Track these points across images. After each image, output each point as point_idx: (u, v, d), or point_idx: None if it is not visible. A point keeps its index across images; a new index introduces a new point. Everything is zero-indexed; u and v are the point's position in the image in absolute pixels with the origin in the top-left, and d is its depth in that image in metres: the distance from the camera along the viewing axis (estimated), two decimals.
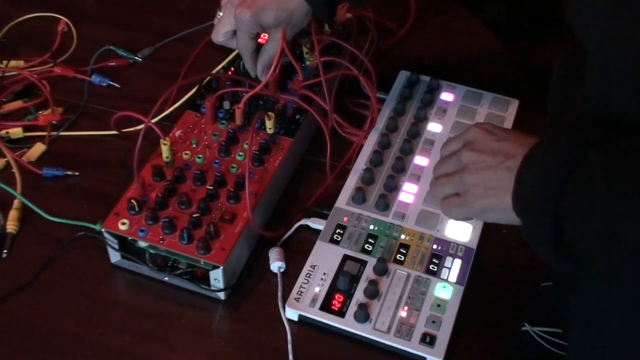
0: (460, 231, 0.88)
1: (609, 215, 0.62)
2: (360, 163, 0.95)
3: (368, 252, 0.86)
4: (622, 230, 0.62)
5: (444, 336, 0.79)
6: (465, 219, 0.82)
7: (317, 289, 0.83)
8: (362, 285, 0.83)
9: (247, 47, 0.94)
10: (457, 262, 0.85)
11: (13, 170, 0.96)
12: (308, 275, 0.84)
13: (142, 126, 0.90)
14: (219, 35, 0.96)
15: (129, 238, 0.84)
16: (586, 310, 0.81)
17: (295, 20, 0.93)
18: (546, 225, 0.66)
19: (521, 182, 0.69)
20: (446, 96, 1.05)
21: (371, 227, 0.89)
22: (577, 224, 0.65)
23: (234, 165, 0.90)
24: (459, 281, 0.84)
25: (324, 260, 0.85)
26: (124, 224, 0.83)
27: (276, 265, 0.86)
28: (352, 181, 0.94)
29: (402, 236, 0.88)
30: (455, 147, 0.80)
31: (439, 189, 0.80)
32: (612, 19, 0.65)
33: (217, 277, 0.82)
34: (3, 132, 0.99)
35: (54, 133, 1.01)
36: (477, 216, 0.77)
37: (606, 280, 0.72)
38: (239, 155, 0.91)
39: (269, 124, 0.92)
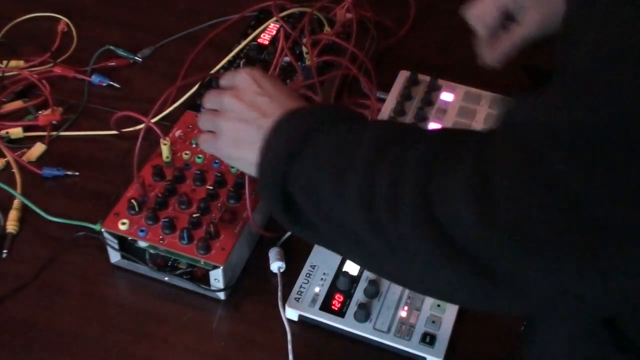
0: None
1: (315, 193, 0.65)
2: None
3: None
4: (326, 208, 0.65)
5: (444, 336, 0.79)
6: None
7: (317, 289, 0.83)
8: (362, 285, 0.83)
9: (490, 14, 0.89)
10: None
11: (13, 170, 0.96)
12: (308, 275, 0.84)
13: (142, 126, 0.89)
14: (474, 11, 0.91)
15: (129, 238, 0.84)
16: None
17: (551, 2, 0.86)
18: (276, 194, 0.68)
19: (264, 143, 0.70)
20: (446, 96, 1.05)
21: None
22: (299, 195, 0.67)
23: None
24: None
25: (324, 260, 0.85)
26: (124, 224, 0.83)
27: (276, 265, 0.86)
28: None
29: None
30: (226, 83, 0.80)
31: (200, 122, 0.81)
32: None
33: (217, 277, 0.82)
34: (3, 132, 0.99)
35: (54, 133, 1.01)
36: (226, 161, 0.80)
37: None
38: None
39: None
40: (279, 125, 0.70)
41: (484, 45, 0.93)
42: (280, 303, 0.83)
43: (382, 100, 1.03)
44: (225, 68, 1.03)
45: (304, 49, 1.00)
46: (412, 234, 0.58)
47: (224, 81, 0.80)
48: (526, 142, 0.54)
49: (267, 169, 0.69)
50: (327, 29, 1.06)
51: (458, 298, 0.66)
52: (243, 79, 0.77)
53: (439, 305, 0.82)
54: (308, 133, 0.67)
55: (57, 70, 1.07)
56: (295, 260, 0.86)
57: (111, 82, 1.08)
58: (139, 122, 0.96)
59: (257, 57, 1.04)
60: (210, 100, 0.80)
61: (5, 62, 1.08)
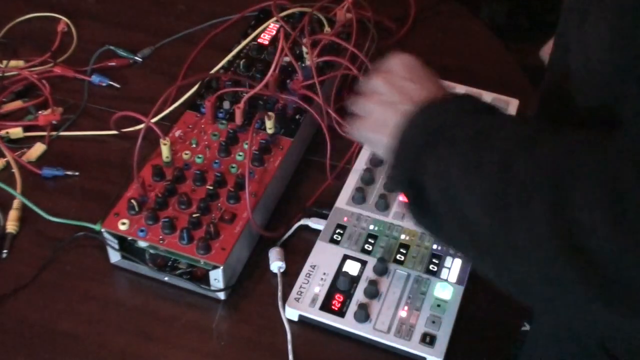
0: None
1: (451, 187, 0.63)
2: (361, 163, 0.95)
3: (368, 252, 0.86)
4: (455, 203, 0.63)
5: (444, 336, 0.79)
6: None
7: (317, 289, 0.83)
8: (362, 285, 0.83)
9: None
10: (457, 262, 0.85)
11: (13, 170, 0.96)
12: (308, 275, 0.84)
13: (142, 126, 0.90)
14: (545, 47, 0.96)
15: (129, 238, 0.84)
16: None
17: None
18: (405, 177, 0.67)
19: (400, 132, 0.69)
20: None
21: (371, 227, 0.89)
22: (432, 187, 0.65)
23: (234, 165, 0.90)
24: (459, 281, 0.84)
25: (324, 260, 0.85)
26: (124, 224, 0.83)
27: (276, 265, 0.86)
28: (352, 181, 0.94)
29: (402, 236, 0.88)
30: (380, 69, 0.79)
31: (352, 105, 0.79)
32: None
33: (217, 277, 0.82)
34: (3, 132, 0.99)
35: (54, 133, 1.01)
36: (367, 144, 0.78)
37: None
38: (239, 155, 0.91)
39: (269, 124, 0.92)
40: (418, 112, 0.69)
41: None
42: (280, 303, 0.83)
43: None
44: (225, 68, 1.03)
45: (304, 49, 1.00)
46: (540, 237, 0.57)
47: (378, 66, 0.79)
48: None
49: (401, 153, 0.68)
50: (327, 29, 1.06)
51: (573, 303, 0.63)
52: (395, 63, 0.76)
53: (439, 306, 0.82)
54: (446, 124, 0.66)
55: (57, 70, 1.07)
56: (295, 260, 0.86)
57: (111, 82, 1.08)
58: (139, 122, 0.96)
59: (257, 57, 1.04)
60: (364, 84, 0.79)
61: (5, 62, 1.08)
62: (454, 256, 0.86)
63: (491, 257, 0.63)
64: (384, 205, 0.90)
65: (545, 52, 0.96)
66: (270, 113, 0.93)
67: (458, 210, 0.63)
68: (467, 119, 0.66)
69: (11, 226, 0.89)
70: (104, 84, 1.07)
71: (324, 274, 0.84)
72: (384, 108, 0.73)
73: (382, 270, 0.84)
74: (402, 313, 0.81)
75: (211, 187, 0.86)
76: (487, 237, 0.61)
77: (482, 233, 0.61)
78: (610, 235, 0.54)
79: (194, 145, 0.92)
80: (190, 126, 0.94)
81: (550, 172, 0.58)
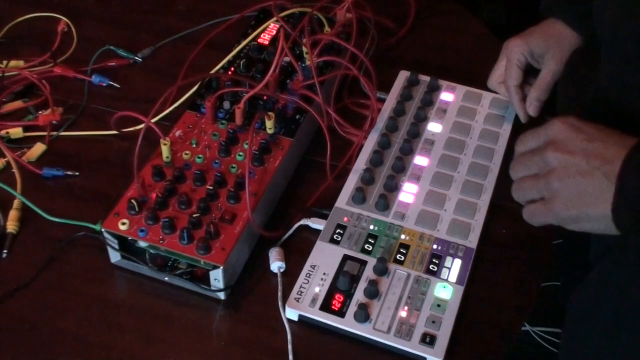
0: (460, 231, 0.88)
1: None
2: (360, 163, 0.95)
3: (368, 252, 0.86)
4: None
5: (444, 336, 0.79)
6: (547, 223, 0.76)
7: (317, 289, 0.83)
8: (362, 285, 0.83)
9: (514, 77, 0.94)
10: (457, 262, 0.85)
11: (13, 170, 0.96)
12: (308, 275, 0.84)
13: (142, 126, 0.90)
14: (492, 78, 0.99)
15: (129, 238, 0.84)
16: (583, 308, 0.80)
17: (564, 42, 0.91)
18: None
19: (624, 191, 0.63)
20: (446, 96, 1.05)
21: (371, 227, 0.89)
22: None
23: (234, 165, 0.90)
24: (459, 281, 0.84)
25: (324, 260, 0.85)
26: (124, 224, 0.83)
27: (276, 265, 0.86)
28: (352, 181, 0.94)
29: (402, 236, 0.88)
30: (535, 143, 0.73)
31: (521, 193, 0.74)
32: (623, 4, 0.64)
33: (217, 277, 0.82)
34: (3, 132, 0.99)
35: (54, 133, 1.01)
36: (567, 224, 0.71)
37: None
38: (239, 155, 0.91)
39: (269, 124, 0.92)
40: (633, 163, 0.63)
41: (518, 105, 0.96)
42: (280, 303, 0.83)
43: (382, 100, 1.03)
44: (225, 68, 1.03)
45: (304, 49, 1.00)
46: None
47: (531, 141, 0.73)
48: None
49: (635, 212, 0.62)
50: (327, 29, 1.06)
51: None
52: (560, 128, 0.70)
53: (439, 305, 0.82)
54: None
55: (57, 70, 1.07)
56: (295, 260, 0.86)
57: (111, 82, 1.08)
58: (139, 122, 0.96)
59: (257, 57, 1.04)
60: (523, 164, 0.73)
61: (5, 62, 1.08)
62: (453, 256, 0.86)
63: None
64: (384, 205, 0.90)
65: (493, 82, 0.99)
66: (270, 113, 0.93)
67: None
68: None
69: (11, 226, 0.89)
70: (104, 84, 1.07)
71: (324, 274, 0.84)
72: (577, 179, 0.67)
73: (382, 270, 0.84)
74: (402, 313, 0.81)
75: (211, 187, 0.86)
76: None
77: None
78: None
79: (194, 145, 0.92)
80: (190, 126, 0.94)
81: None
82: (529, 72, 0.97)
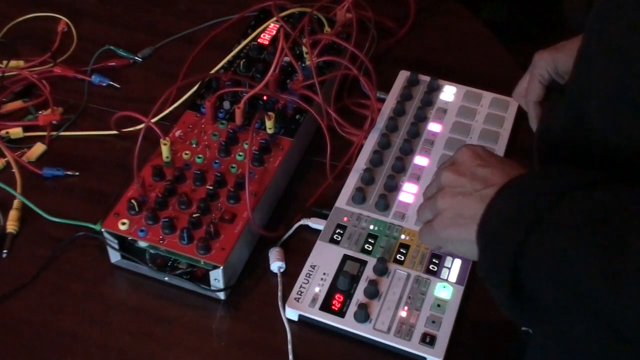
0: None
1: (568, 269, 0.56)
2: (360, 163, 0.95)
3: (368, 252, 0.86)
4: (582, 289, 0.56)
5: (444, 336, 0.79)
6: (437, 248, 0.76)
7: (317, 289, 0.83)
8: (362, 285, 0.83)
9: (535, 92, 0.90)
10: (457, 262, 0.85)
11: (13, 170, 0.96)
12: (308, 275, 0.84)
13: (142, 126, 0.89)
14: (517, 89, 0.95)
15: (129, 238, 0.84)
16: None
17: None
18: (504, 265, 0.60)
19: (489, 213, 0.63)
20: (446, 96, 1.04)
21: (371, 227, 0.89)
22: (537, 271, 0.59)
23: (234, 165, 0.90)
24: (459, 281, 0.84)
25: (324, 260, 0.85)
26: (124, 224, 0.83)
27: (276, 265, 0.86)
28: (352, 181, 0.94)
29: (402, 236, 0.88)
30: (442, 166, 0.75)
31: (420, 213, 0.76)
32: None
33: (217, 277, 0.82)
34: (3, 132, 0.99)
35: (54, 133, 1.01)
36: (444, 246, 0.72)
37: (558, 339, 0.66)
38: (239, 155, 0.91)
39: (269, 124, 0.92)
40: (507, 190, 0.62)
41: (534, 121, 0.93)
42: (280, 303, 0.83)
43: (382, 100, 1.03)
44: (225, 68, 1.03)
45: (304, 49, 1.00)
46: None
47: (443, 164, 0.75)
48: None
49: (494, 240, 0.61)
50: (327, 29, 1.06)
51: None
52: (463, 153, 0.72)
53: (439, 305, 0.82)
54: (550, 198, 0.58)
55: (57, 70, 1.07)
56: (295, 260, 0.86)
57: (111, 82, 1.08)
58: (139, 122, 0.96)
59: (257, 57, 1.04)
60: (430, 186, 0.75)
61: (5, 62, 1.08)
62: (453, 256, 0.86)
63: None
64: (384, 205, 0.90)
65: (517, 94, 0.96)
66: (270, 113, 0.93)
67: (588, 302, 0.55)
68: (576, 190, 0.59)
69: (11, 226, 0.89)
70: (104, 84, 1.07)
71: (324, 274, 0.84)
72: (458, 199, 0.68)
73: (382, 270, 0.84)
74: (402, 313, 0.81)
75: (211, 187, 0.86)
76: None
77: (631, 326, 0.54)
78: None
79: (194, 145, 0.92)
80: (190, 126, 0.94)
81: None
82: (556, 87, 0.93)
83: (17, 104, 1.03)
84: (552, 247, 0.57)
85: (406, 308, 0.81)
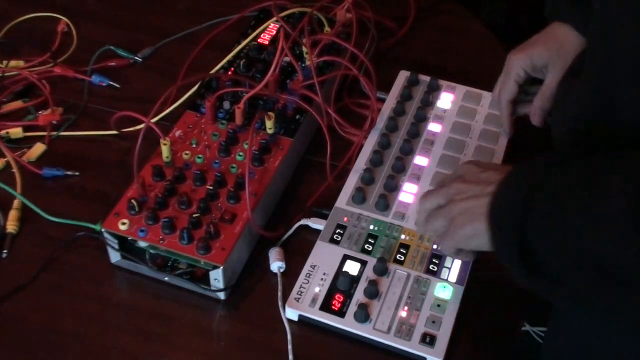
0: None
1: (568, 233, 0.63)
2: (360, 163, 0.95)
3: (368, 252, 0.86)
4: (584, 246, 0.62)
5: (444, 336, 0.79)
6: (458, 252, 0.80)
7: (317, 289, 0.83)
8: (362, 285, 0.83)
9: (509, 91, 0.94)
10: (457, 262, 0.85)
11: (13, 170, 0.96)
12: (308, 275, 0.84)
13: (142, 126, 0.90)
14: (495, 89, 0.98)
15: (129, 238, 0.84)
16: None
17: (567, 47, 0.90)
18: (513, 244, 0.67)
19: (494, 201, 0.70)
20: (446, 96, 1.05)
21: (371, 227, 0.89)
22: (543, 243, 0.65)
23: (234, 165, 0.90)
24: (459, 281, 0.84)
25: (324, 260, 0.85)
26: (124, 224, 0.83)
27: (276, 265, 0.86)
28: (352, 181, 0.94)
29: (402, 236, 0.88)
30: (447, 181, 0.80)
31: (430, 224, 0.79)
32: None
33: (217, 277, 0.82)
34: (3, 132, 0.99)
35: (54, 133, 1.01)
36: (464, 244, 0.76)
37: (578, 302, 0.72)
38: (239, 155, 0.91)
39: (269, 124, 0.92)
40: (506, 179, 0.70)
41: (506, 119, 0.98)
42: (280, 303, 0.83)
43: (382, 100, 1.03)
44: (225, 68, 1.03)
45: (304, 49, 1.00)
46: None
47: (445, 181, 0.80)
48: None
49: (501, 218, 0.69)
50: (327, 29, 1.06)
51: None
52: (464, 167, 0.79)
53: (439, 305, 0.82)
54: (541, 174, 0.67)
55: (57, 70, 1.07)
56: (295, 260, 0.86)
57: (111, 82, 1.08)
58: (139, 122, 0.96)
59: (257, 57, 1.04)
60: (428, 201, 0.80)
61: (5, 62, 1.08)
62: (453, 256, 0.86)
63: (629, 298, 0.63)
64: (384, 205, 0.90)
65: (496, 94, 0.98)
66: (270, 113, 0.93)
67: (584, 257, 0.62)
68: (561, 165, 0.67)
69: (11, 226, 0.89)
70: (104, 84, 1.07)
71: (324, 274, 0.84)
72: (469, 202, 0.74)
73: (382, 270, 0.84)
74: (402, 313, 0.81)
75: (211, 187, 0.86)
76: (630, 275, 0.60)
77: (619, 272, 0.60)
78: None
79: (194, 145, 0.92)
80: (190, 126, 0.94)
81: None
82: (533, 82, 0.96)
83: (17, 104, 1.03)
84: (550, 214, 0.64)
85: (406, 308, 0.81)
